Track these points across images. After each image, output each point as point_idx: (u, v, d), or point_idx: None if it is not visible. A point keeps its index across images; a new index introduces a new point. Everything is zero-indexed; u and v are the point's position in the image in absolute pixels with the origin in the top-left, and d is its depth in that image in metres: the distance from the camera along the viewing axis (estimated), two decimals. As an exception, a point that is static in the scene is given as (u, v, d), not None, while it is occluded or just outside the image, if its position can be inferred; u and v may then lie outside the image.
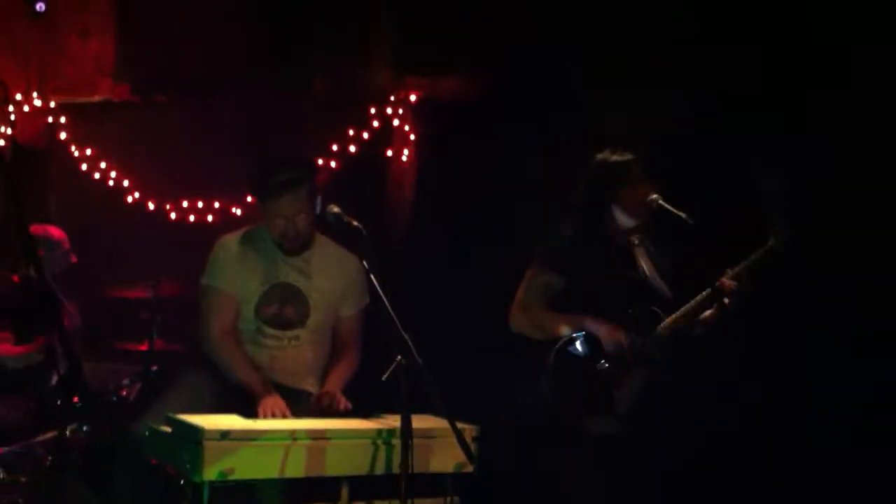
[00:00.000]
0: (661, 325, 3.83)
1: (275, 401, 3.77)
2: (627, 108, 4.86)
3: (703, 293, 3.81)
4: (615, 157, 3.92)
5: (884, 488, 4.17)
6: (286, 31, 6.37)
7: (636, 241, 3.98)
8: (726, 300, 3.79)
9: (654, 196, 3.87)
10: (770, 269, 3.85)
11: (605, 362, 3.73)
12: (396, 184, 6.17)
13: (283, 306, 4.00)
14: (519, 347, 3.89)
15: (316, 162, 5.94)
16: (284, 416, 3.74)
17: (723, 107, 4.82)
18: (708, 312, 3.87)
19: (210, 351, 3.93)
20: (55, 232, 5.20)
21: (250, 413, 3.69)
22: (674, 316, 3.84)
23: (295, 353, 4.02)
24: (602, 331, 3.74)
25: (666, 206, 3.87)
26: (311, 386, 4.06)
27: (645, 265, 3.96)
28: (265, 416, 3.70)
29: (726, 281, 3.81)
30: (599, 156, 3.94)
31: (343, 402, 3.88)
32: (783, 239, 3.83)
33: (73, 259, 5.21)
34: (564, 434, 3.70)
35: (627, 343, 3.73)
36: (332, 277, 4.07)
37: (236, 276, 3.97)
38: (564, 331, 3.77)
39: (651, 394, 3.75)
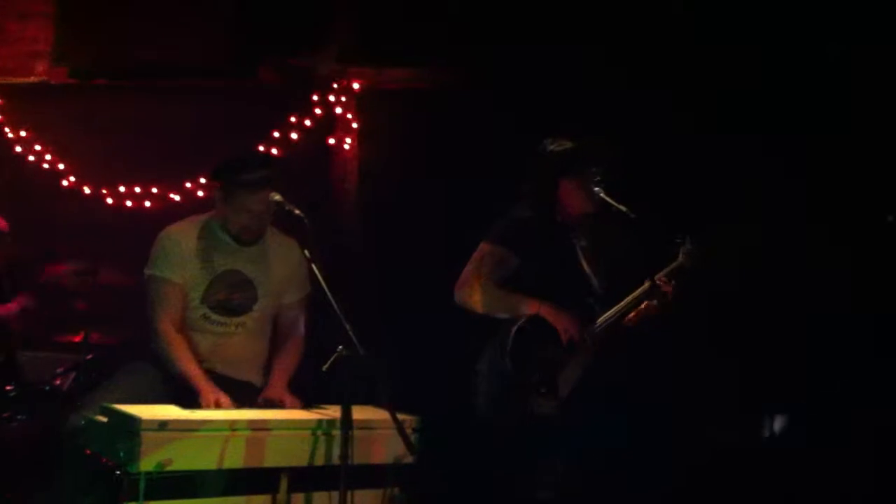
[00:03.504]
0: (601, 317, 3.86)
1: (217, 394, 3.73)
2: (577, 103, 4.90)
3: (642, 287, 3.85)
4: (559, 147, 3.94)
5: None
6: (231, 18, 6.29)
7: (578, 233, 4.00)
8: (659, 299, 3.84)
9: (597, 188, 3.90)
10: (693, 274, 3.90)
11: (559, 348, 3.76)
12: (339, 172, 6.14)
13: (231, 293, 3.99)
14: (465, 338, 3.90)
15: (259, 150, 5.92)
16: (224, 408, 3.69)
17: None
18: (639, 308, 3.91)
19: (156, 342, 3.88)
20: (0, 221, 5.11)
21: (191, 406, 3.64)
22: (613, 309, 3.88)
23: (239, 341, 4.01)
24: (559, 317, 3.77)
25: (607, 198, 3.90)
26: (253, 377, 4.04)
27: (582, 257, 3.99)
28: (208, 408, 3.66)
29: (663, 279, 3.85)
30: (546, 145, 3.96)
31: (295, 404, 3.88)
32: (693, 256, 3.88)
33: (16, 250, 5.13)
34: (511, 415, 3.72)
35: (579, 332, 3.77)
36: (276, 265, 4.07)
37: (183, 266, 3.94)
38: (523, 310, 3.79)
39: (587, 378, 3.80)
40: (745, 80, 4.91)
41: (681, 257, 3.87)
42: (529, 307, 3.79)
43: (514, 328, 3.77)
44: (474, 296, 3.85)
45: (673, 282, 3.86)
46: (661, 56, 5.08)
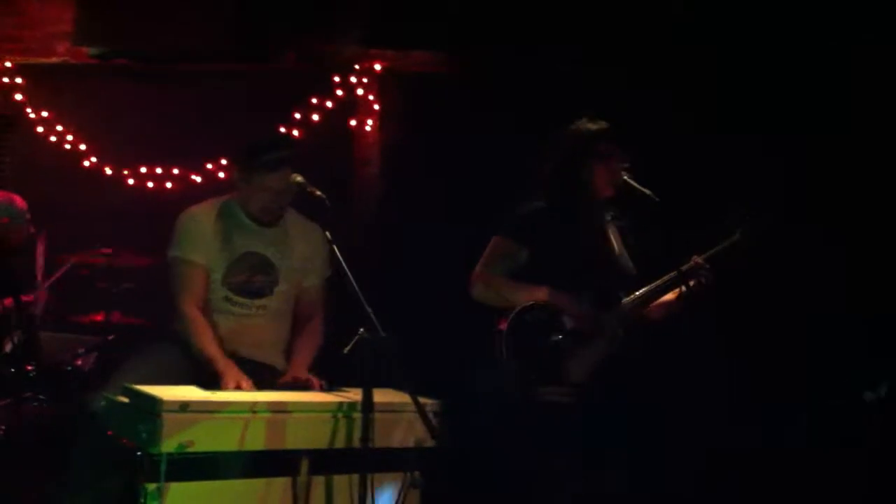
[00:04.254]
0: (622, 302, 3.82)
1: (239, 378, 3.72)
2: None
3: (669, 275, 3.80)
4: (586, 127, 3.88)
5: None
6: (252, 1, 6.27)
7: (608, 216, 3.96)
8: (687, 286, 3.79)
9: (622, 172, 3.86)
10: (733, 262, 3.85)
11: (562, 334, 3.71)
12: (361, 155, 6.12)
13: (253, 275, 3.98)
14: (485, 324, 3.86)
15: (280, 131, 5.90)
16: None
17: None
18: (666, 297, 3.86)
19: (179, 324, 3.88)
20: (18, 200, 5.12)
21: (212, 387, 3.63)
22: (635, 294, 3.83)
23: (260, 324, 3.99)
24: (563, 302, 3.72)
25: (632, 182, 3.86)
26: (275, 360, 4.03)
27: (615, 241, 3.94)
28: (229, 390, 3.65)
29: (693, 264, 3.80)
30: (571, 125, 3.91)
31: (318, 385, 3.86)
32: (751, 234, 3.82)
33: (32, 229, 5.14)
34: (517, 402, 3.68)
35: (586, 317, 3.71)
36: (297, 247, 4.06)
37: (205, 247, 3.93)
38: (525, 300, 3.74)
39: (606, 366, 3.73)
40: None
41: (735, 237, 3.82)
42: (533, 294, 3.73)
43: (509, 318, 3.70)
44: (482, 289, 3.82)
45: (707, 269, 3.81)
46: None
